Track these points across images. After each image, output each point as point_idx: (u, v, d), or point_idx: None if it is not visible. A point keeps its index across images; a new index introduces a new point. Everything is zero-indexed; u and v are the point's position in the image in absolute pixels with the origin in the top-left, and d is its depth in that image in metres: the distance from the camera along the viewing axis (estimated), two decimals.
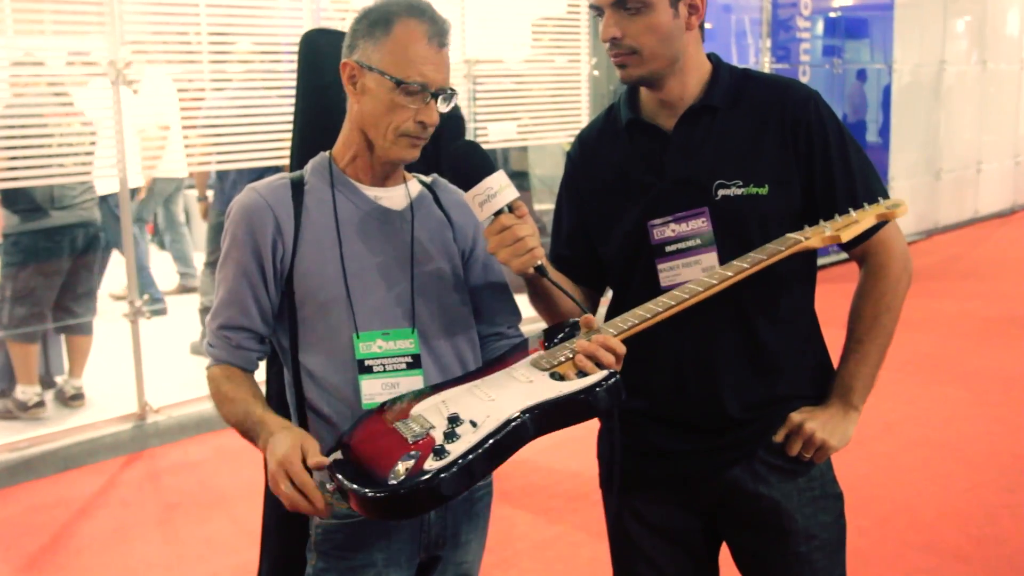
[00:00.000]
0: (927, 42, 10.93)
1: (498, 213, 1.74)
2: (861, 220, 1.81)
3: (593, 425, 1.86)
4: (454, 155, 1.79)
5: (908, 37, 10.49)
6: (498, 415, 1.57)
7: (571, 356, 1.69)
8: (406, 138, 1.82)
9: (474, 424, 1.56)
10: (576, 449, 1.93)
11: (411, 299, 1.87)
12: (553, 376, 1.66)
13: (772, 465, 1.97)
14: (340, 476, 1.57)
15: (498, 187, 1.74)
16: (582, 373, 1.64)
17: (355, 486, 1.53)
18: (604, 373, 1.62)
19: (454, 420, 1.58)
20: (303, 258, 1.84)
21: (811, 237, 1.79)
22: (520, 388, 1.66)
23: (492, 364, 1.83)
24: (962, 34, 11.84)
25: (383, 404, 1.76)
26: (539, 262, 1.76)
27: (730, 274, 1.78)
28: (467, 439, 1.53)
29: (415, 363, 1.84)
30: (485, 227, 1.77)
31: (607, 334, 1.70)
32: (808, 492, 1.99)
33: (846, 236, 1.78)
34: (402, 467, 1.52)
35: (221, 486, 4.69)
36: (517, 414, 1.56)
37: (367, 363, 1.82)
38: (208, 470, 4.92)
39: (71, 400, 5.48)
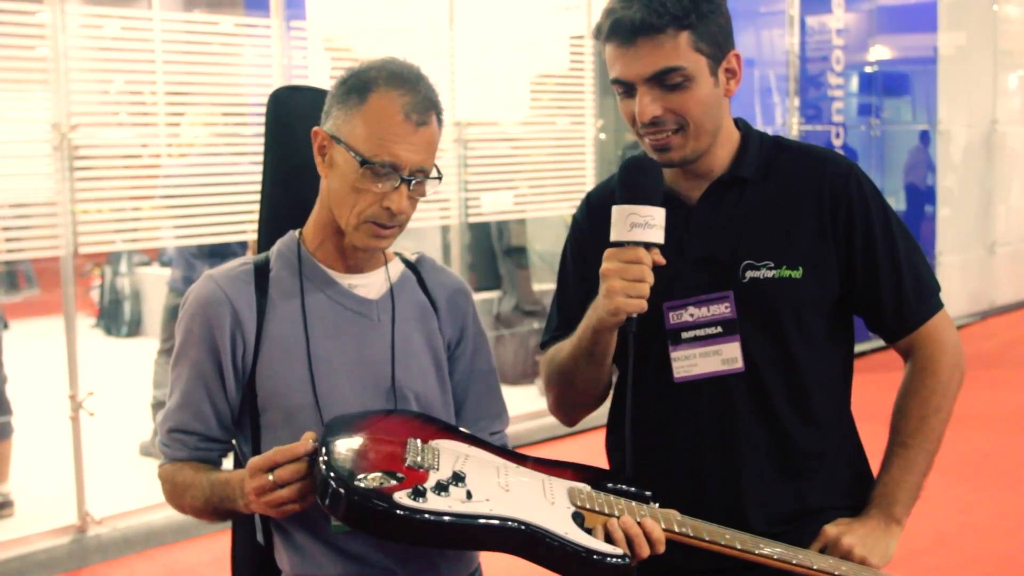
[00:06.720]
0: (976, 100, 11.08)
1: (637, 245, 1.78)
2: None
3: None
4: (634, 166, 1.84)
5: (954, 94, 10.64)
6: (497, 507, 1.60)
7: (612, 516, 1.70)
8: (371, 225, 1.80)
9: (469, 496, 1.60)
10: None
11: (394, 404, 1.86)
12: (576, 517, 1.68)
13: None
14: (324, 449, 1.62)
15: (658, 223, 1.79)
16: (608, 537, 1.67)
17: (324, 467, 1.59)
18: (621, 551, 1.64)
19: (457, 478, 1.62)
20: (266, 358, 1.84)
21: None
22: (539, 501, 1.69)
23: (539, 462, 1.84)
24: (1015, 91, 12.01)
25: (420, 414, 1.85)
26: (638, 314, 1.80)
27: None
28: (451, 503, 1.58)
29: None
30: (610, 247, 1.80)
31: (655, 522, 1.72)
32: None
33: None
34: (376, 478, 1.58)
35: None
36: (515, 520, 1.58)
37: None
38: None
39: None
